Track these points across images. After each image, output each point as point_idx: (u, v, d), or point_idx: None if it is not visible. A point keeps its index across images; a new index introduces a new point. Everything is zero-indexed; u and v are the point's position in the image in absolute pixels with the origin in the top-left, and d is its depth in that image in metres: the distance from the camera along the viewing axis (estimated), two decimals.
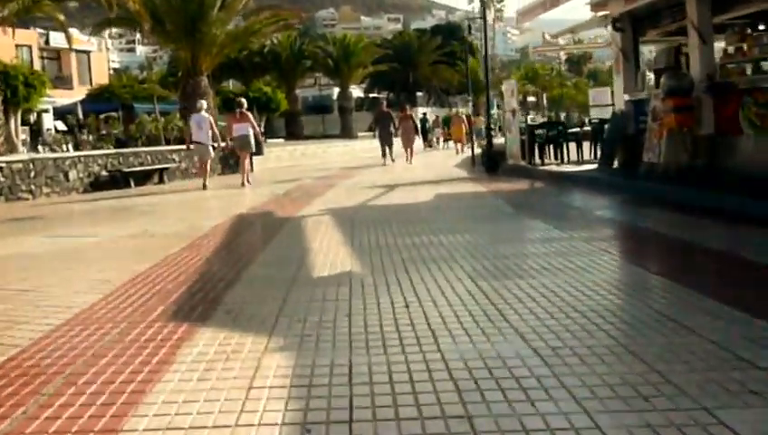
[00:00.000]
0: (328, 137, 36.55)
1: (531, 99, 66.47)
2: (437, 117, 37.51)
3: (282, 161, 21.91)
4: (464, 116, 32.47)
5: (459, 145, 28.35)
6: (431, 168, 17.50)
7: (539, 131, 13.89)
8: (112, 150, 15.48)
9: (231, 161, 18.68)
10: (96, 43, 39.81)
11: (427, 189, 10.95)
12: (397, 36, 53.07)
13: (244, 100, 14.34)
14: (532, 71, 61.32)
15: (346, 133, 37.05)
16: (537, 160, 13.47)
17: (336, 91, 46.76)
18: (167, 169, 16.19)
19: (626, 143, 11.54)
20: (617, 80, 12.59)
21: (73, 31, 39.49)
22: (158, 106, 24.72)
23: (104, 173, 14.70)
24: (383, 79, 46.05)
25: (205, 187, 12.81)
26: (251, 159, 14.43)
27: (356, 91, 44.68)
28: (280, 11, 21.92)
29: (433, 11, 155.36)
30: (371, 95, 47.93)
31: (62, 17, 18.18)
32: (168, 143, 18.05)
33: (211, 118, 13.26)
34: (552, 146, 13.65)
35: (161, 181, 15.91)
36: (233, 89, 33.37)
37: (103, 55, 43.10)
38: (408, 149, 19.03)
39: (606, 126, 12.95)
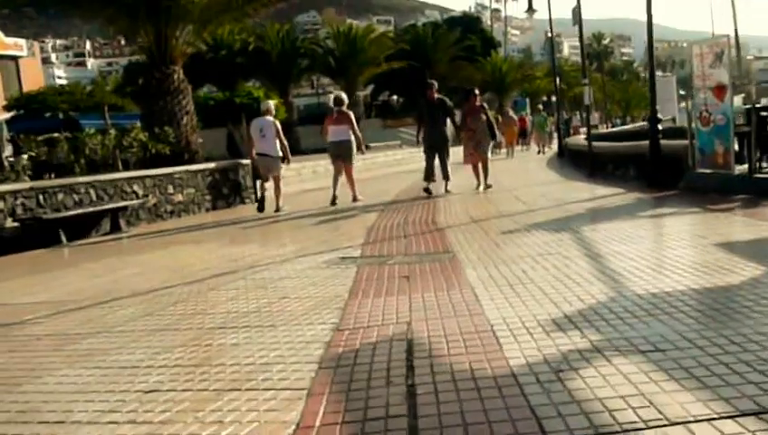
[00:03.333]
0: None
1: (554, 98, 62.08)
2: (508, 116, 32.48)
3: (289, 184, 16.38)
4: (515, 116, 28.07)
5: (510, 148, 25.49)
6: (532, 185, 12.01)
7: None
8: (25, 184, 9.85)
9: (225, 190, 13.21)
10: (26, 47, 33.96)
11: (644, 241, 5.94)
12: (409, 29, 48.05)
13: (344, 94, 12.20)
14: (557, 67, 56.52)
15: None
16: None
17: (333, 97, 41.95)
18: (124, 208, 10.61)
19: None
20: None
21: None
22: (110, 120, 19.36)
23: (11, 223, 9.10)
24: (390, 79, 40.69)
25: (278, 209, 10.94)
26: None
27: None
28: None
29: (426, 11, 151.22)
30: (381, 99, 42.83)
31: None
32: (126, 168, 12.54)
33: (277, 122, 11.23)
34: None
35: (115, 229, 10.34)
36: (212, 95, 27.74)
37: (37, 63, 37.19)
38: (480, 164, 11.56)
39: None
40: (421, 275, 4.88)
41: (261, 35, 34.60)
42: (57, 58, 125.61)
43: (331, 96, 12.27)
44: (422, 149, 11.58)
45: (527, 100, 43.34)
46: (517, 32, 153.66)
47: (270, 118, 11.09)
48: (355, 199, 11.14)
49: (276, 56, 32.17)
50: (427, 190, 10.94)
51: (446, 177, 11.32)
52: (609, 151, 13.29)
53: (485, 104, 12.58)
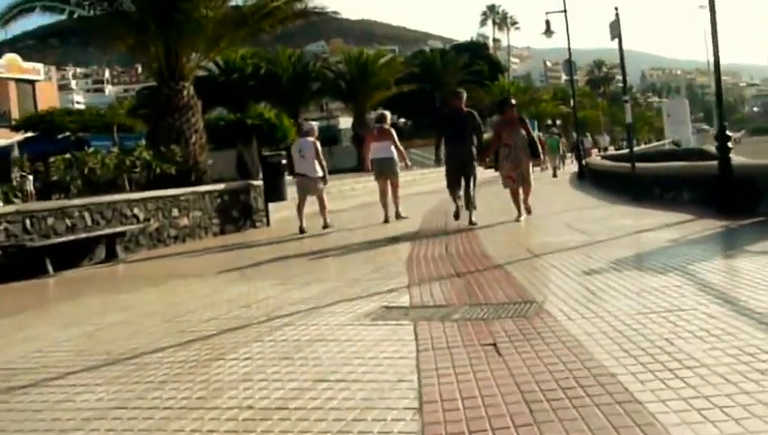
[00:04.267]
0: (340, 171, 30.18)
1: (559, 122, 60.57)
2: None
3: (308, 205, 14.72)
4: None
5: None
6: (574, 210, 10.34)
7: None
8: (9, 208, 8.21)
9: (235, 213, 11.55)
10: (43, 72, 33.11)
11: None
12: (418, 54, 46.76)
13: (387, 112, 11.82)
14: (561, 91, 55.16)
15: (364, 166, 30.13)
16: None
17: (342, 120, 40.96)
18: (121, 234, 8.94)
19: None
20: None
21: (13, 56, 32.80)
22: (121, 140, 17.83)
23: None
24: (399, 103, 39.12)
25: (326, 226, 10.23)
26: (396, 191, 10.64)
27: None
28: None
29: (429, 41, 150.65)
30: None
31: None
32: (131, 188, 10.92)
33: (317, 142, 10.47)
34: None
35: (111, 257, 8.66)
36: (224, 117, 26.08)
37: (52, 86, 36.34)
38: (522, 190, 9.03)
39: None
40: (513, 341, 3.20)
41: (272, 60, 33.35)
42: (77, 84, 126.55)
43: (378, 114, 11.68)
44: (445, 172, 9.05)
45: (535, 122, 41.72)
46: (517, 60, 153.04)
47: (311, 139, 10.36)
48: (398, 217, 10.48)
49: (287, 80, 30.75)
50: (456, 215, 8.80)
51: (471, 205, 8.81)
52: (656, 173, 11.37)
53: (525, 118, 9.97)
